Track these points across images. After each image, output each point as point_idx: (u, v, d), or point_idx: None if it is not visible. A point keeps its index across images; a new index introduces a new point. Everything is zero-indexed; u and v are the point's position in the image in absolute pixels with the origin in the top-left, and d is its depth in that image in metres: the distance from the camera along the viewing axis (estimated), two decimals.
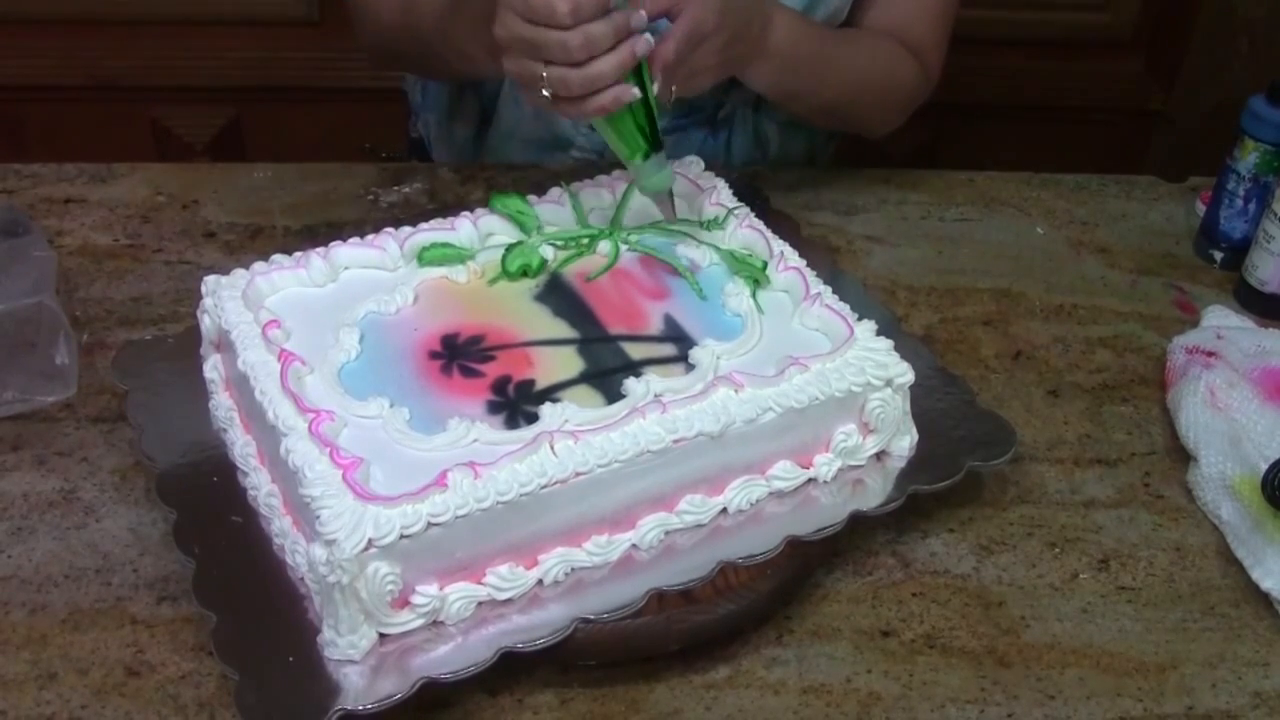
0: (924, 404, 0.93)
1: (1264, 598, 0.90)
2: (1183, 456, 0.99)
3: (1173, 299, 1.17)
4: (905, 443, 0.92)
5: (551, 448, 0.80)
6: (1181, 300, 1.17)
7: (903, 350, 0.91)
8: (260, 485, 0.84)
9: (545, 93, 0.90)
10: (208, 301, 0.92)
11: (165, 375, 0.95)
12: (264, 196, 1.20)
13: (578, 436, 0.81)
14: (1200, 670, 0.86)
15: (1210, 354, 1.04)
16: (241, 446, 0.87)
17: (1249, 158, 1.16)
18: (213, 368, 0.92)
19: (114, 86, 1.83)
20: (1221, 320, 1.10)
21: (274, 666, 0.77)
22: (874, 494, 0.90)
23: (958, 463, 0.91)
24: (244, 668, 0.76)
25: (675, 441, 0.82)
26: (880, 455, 0.92)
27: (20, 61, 1.81)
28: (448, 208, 1.12)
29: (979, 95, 1.88)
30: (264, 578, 0.81)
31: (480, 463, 0.78)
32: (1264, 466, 0.91)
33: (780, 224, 1.06)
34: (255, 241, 1.15)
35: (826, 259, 1.11)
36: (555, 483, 0.79)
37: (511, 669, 0.81)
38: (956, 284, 1.17)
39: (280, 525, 0.82)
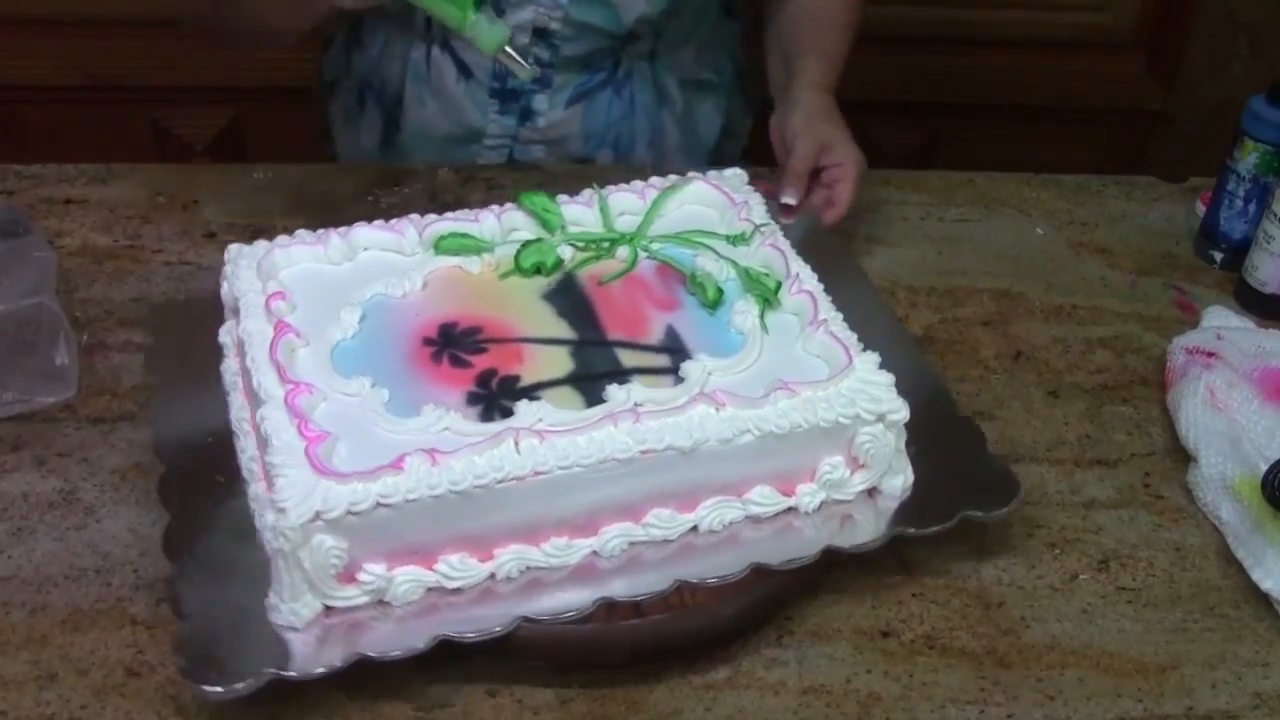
0: (933, 446, 0.90)
1: (1264, 598, 0.90)
2: (1183, 457, 0.99)
3: (1173, 299, 1.17)
4: (898, 482, 0.88)
5: (516, 444, 0.80)
6: (1181, 301, 1.17)
7: (921, 387, 0.89)
8: (247, 449, 0.85)
9: None
10: (228, 269, 0.95)
11: (196, 336, 0.97)
12: (264, 197, 1.20)
13: (544, 436, 0.80)
14: (1200, 670, 0.86)
15: (1210, 354, 1.04)
16: (238, 410, 0.88)
17: (1249, 158, 1.16)
18: (226, 332, 0.94)
19: (114, 86, 1.83)
20: (1221, 321, 1.10)
21: (221, 622, 0.78)
22: (861, 531, 0.86)
23: (953, 508, 0.87)
24: (192, 619, 0.78)
25: (643, 452, 0.81)
26: (872, 493, 0.88)
27: (20, 61, 1.81)
28: (447, 208, 1.12)
29: (979, 95, 1.88)
30: (237, 539, 0.82)
31: (442, 450, 0.79)
32: (1264, 467, 0.91)
33: (831, 254, 1.07)
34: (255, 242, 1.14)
35: (868, 291, 1.08)
36: (512, 479, 0.79)
37: (512, 669, 0.81)
38: (956, 284, 1.17)
39: (255, 489, 0.82)
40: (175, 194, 1.20)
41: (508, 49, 0.99)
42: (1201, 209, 1.24)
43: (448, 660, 0.82)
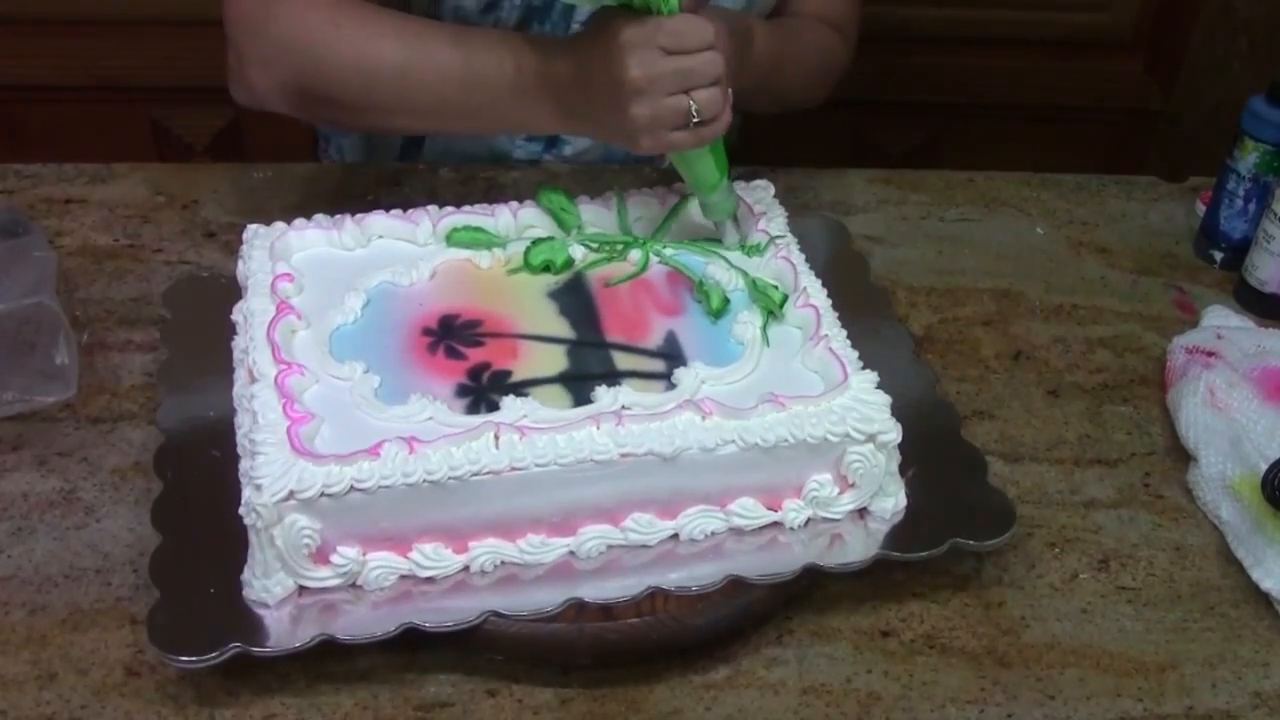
0: (932, 470, 0.90)
1: (1264, 598, 0.90)
2: (1183, 456, 0.99)
3: (1173, 299, 1.17)
4: (889, 504, 0.87)
5: (495, 439, 0.80)
6: (1181, 300, 1.17)
7: (927, 409, 0.88)
8: (243, 425, 0.85)
9: (695, 119, 0.91)
10: (243, 249, 0.97)
11: (210, 312, 0.98)
12: (264, 196, 1.20)
13: (524, 432, 0.80)
14: (1200, 670, 0.86)
15: (1210, 354, 1.04)
16: (240, 386, 0.88)
17: (1249, 158, 1.16)
18: (238, 310, 0.94)
19: (114, 86, 1.83)
20: (1221, 320, 1.10)
21: (196, 594, 0.79)
22: (848, 551, 0.85)
23: (942, 535, 0.86)
24: (169, 589, 0.79)
25: (623, 455, 0.80)
26: (863, 514, 0.87)
27: (20, 61, 1.80)
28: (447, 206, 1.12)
29: (979, 95, 1.88)
30: (224, 513, 0.82)
31: (421, 439, 0.79)
32: (1264, 466, 0.91)
33: (847, 264, 1.06)
34: None
35: (885, 308, 1.07)
36: (488, 472, 0.79)
37: (512, 669, 0.81)
38: (956, 284, 1.17)
39: (245, 465, 0.82)
40: (175, 194, 1.20)
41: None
42: (1201, 209, 1.24)
43: (448, 658, 0.82)
